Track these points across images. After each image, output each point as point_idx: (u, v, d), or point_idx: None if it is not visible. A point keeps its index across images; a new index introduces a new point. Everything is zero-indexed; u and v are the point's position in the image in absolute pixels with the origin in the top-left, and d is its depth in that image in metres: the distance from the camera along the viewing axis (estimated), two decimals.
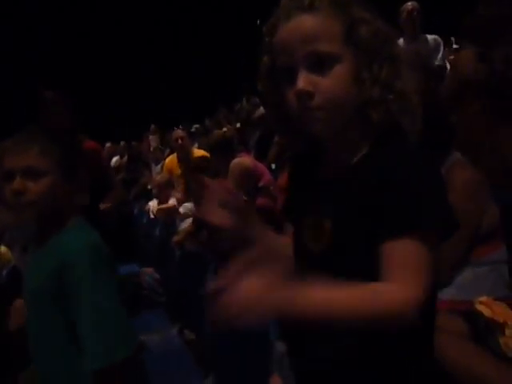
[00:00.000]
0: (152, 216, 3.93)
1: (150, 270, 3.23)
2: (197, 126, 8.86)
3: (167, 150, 7.47)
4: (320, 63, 0.75)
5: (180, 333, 2.27)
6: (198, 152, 4.71)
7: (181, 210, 3.58)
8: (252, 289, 0.64)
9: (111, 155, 7.95)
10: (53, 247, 1.17)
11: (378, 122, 0.76)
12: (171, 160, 4.62)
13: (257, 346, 1.49)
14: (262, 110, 5.16)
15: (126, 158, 7.66)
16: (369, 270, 0.71)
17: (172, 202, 3.75)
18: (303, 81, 0.75)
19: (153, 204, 4.26)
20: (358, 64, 0.77)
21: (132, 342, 1.14)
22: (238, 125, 6.96)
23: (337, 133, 0.79)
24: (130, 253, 3.41)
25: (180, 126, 7.29)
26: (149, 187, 5.90)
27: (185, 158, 4.44)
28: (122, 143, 8.55)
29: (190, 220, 3.05)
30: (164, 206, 3.74)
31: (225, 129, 7.97)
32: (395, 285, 0.68)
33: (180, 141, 4.44)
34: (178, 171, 4.48)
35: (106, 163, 2.67)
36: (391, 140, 0.77)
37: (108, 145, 8.43)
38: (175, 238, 2.53)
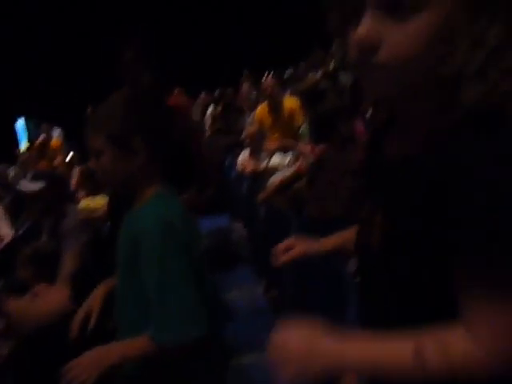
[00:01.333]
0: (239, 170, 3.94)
1: (238, 225, 3.30)
2: (290, 71, 8.60)
3: (261, 98, 7.42)
4: (396, 5, 0.54)
5: (265, 291, 2.29)
6: (290, 100, 4.58)
7: (269, 163, 3.52)
8: (298, 345, 0.61)
9: (206, 104, 8.07)
10: (135, 217, 1.19)
11: (470, 103, 0.53)
12: (262, 109, 4.55)
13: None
14: None
15: (220, 108, 7.73)
16: (422, 279, 0.59)
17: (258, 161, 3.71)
18: (367, 26, 0.55)
19: (243, 156, 4.25)
20: (454, 15, 0.53)
21: (202, 325, 1.11)
22: (332, 67, 6.57)
23: (402, 105, 0.61)
24: (221, 204, 3.49)
25: (271, 73, 7.14)
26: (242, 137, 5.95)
27: (275, 108, 4.35)
28: (217, 91, 8.61)
29: (277, 175, 2.99)
30: (251, 168, 3.71)
31: (319, 73, 7.65)
32: (474, 344, 0.54)
33: (270, 89, 4.34)
34: (269, 121, 4.41)
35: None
36: (484, 130, 0.52)
37: (203, 94, 8.56)
38: (260, 196, 2.49)
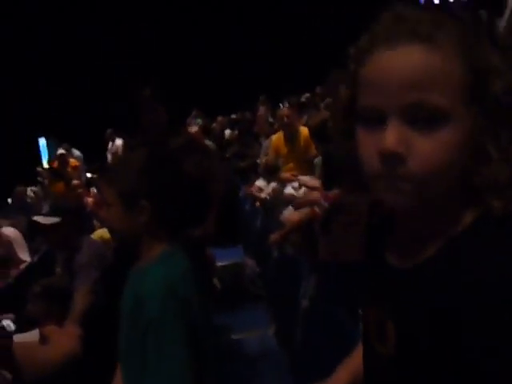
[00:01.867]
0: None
1: (251, 261, 3.27)
2: (307, 95, 8.64)
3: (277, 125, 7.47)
4: (424, 119, 0.53)
5: (277, 333, 2.25)
6: (305, 130, 4.57)
7: (286, 190, 3.51)
8: None
9: (223, 128, 8.15)
10: (140, 275, 1.20)
11: (500, 212, 0.54)
12: (278, 138, 4.55)
13: None
14: None
15: (237, 132, 7.80)
16: None
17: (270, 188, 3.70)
18: (394, 137, 0.54)
19: (259, 184, 4.25)
20: (479, 130, 0.54)
21: None
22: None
23: (420, 214, 0.59)
24: (235, 235, 3.48)
25: (286, 104, 7.18)
26: (258, 161, 5.99)
27: (291, 138, 4.35)
28: (234, 115, 8.71)
29: (290, 210, 2.97)
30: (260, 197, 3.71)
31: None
32: None
33: (286, 119, 4.34)
34: (285, 151, 4.40)
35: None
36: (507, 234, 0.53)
37: (220, 118, 8.66)
38: (272, 238, 2.48)
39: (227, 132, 8.14)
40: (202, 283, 1.34)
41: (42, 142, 12.31)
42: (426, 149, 0.54)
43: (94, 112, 10.53)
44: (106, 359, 1.58)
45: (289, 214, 2.67)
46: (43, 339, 1.71)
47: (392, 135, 0.54)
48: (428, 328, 0.56)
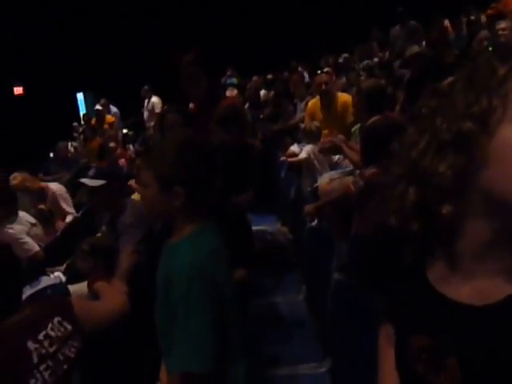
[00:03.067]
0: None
1: (284, 229, 3.36)
2: (346, 55, 8.38)
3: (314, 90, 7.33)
4: None
5: (307, 299, 2.36)
6: (343, 96, 4.50)
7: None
8: None
9: (258, 89, 8.06)
10: (172, 251, 1.30)
11: None
12: (314, 104, 4.50)
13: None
14: (415, 47, 4.62)
15: (272, 93, 7.72)
16: None
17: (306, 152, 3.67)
18: None
19: (294, 149, 4.26)
20: None
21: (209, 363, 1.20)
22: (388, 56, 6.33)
23: None
24: (270, 203, 3.54)
25: (323, 64, 7.00)
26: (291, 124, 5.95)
27: (327, 105, 4.29)
28: (270, 76, 8.58)
29: (325, 176, 3.00)
30: (295, 159, 3.70)
31: (376, 59, 7.42)
32: None
33: (324, 86, 4.27)
34: (320, 117, 4.37)
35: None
36: None
37: (255, 78, 8.55)
38: (307, 209, 2.54)
39: (262, 92, 8.06)
40: (241, 248, 1.43)
41: (80, 96, 12.55)
42: None
43: (132, 68, 10.58)
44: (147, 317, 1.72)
45: (325, 183, 2.70)
46: (94, 294, 1.88)
47: None
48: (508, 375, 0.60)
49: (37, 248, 3.00)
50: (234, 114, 2.53)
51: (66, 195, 4.25)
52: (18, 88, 12.12)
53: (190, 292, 1.19)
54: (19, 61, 11.09)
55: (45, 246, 3.21)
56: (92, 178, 2.56)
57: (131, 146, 7.76)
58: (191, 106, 2.86)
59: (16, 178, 3.86)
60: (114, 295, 1.78)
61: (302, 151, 3.67)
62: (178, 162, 1.27)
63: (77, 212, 4.19)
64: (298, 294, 2.41)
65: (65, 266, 2.89)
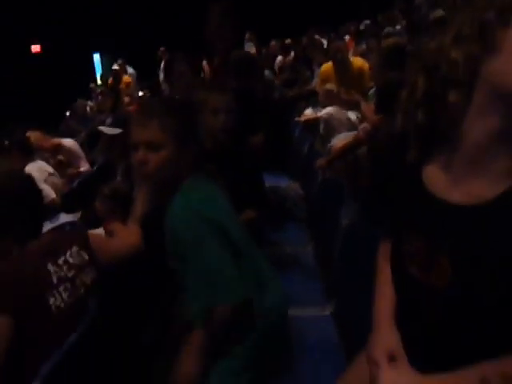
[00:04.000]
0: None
1: (295, 185, 3.38)
2: (367, 22, 8.20)
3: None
4: None
5: (313, 250, 2.41)
6: (358, 60, 4.43)
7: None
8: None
9: (275, 53, 7.97)
10: (170, 209, 1.32)
11: None
12: (328, 68, 4.45)
13: None
14: (440, 11, 4.50)
15: (291, 57, 7.62)
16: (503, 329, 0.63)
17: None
18: None
19: (308, 112, 4.26)
20: None
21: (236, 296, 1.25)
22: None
23: None
24: (281, 165, 3.57)
25: (346, 37, 6.84)
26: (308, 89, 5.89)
27: (342, 71, 4.24)
28: (288, 40, 8.45)
29: (340, 137, 3.02)
30: (312, 116, 3.70)
31: (398, 26, 7.24)
32: None
33: (339, 54, 4.21)
34: (334, 82, 4.32)
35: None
36: None
37: (272, 43, 8.44)
38: (318, 162, 2.56)
39: (278, 58, 7.97)
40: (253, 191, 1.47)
41: (97, 57, 12.51)
42: None
43: (148, 29, 10.48)
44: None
45: (339, 141, 2.73)
46: (110, 233, 1.95)
47: None
48: (498, 270, 0.62)
49: (53, 195, 3.08)
50: (246, 60, 2.54)
51: (80, 151, 4.32)
52: (35, 46, 12.11)
53: (196, 233, 1.24)
54: (37, 19, 11.04)
55: (61, 194, 3.29)
56: (109, 126, 2.61)
57: None
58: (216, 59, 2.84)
59: (30, 138, 3.92)
60: (128, 234, 1.85)
61: (322, 111, 3.67)
62: (186, 119, 1.32)
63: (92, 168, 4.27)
64: (305, 246, 2.47)
65: (80, 214, 2.98)
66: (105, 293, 1.50)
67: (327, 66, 4.43)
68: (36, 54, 12.19)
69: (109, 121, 2.65)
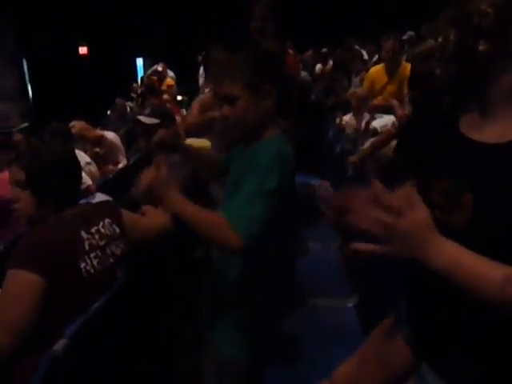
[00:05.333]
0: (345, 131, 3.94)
1: (326, 183, 3.39)
2: (411, 33, 8.12)
3: (372, 60, 7.16)
4: None
5: (340, 247, 2.41)
6: (406, 66, 4.41)
7: (371, 125, 3.51)
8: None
9: (314, 62, 8.00)
10: (252, 151, 1.35)
11: None
12: (377, 70, 4.46)
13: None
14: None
15: (329, 66, 7.64)
16: None
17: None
18: None
19: (346, 119, 4.26)
20: None
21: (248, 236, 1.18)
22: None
23: None
24: (314, 166, 3.58)
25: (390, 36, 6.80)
26: (345, 97, 5.90)
27: (391, 71, 4.25)
28: (325, 49, 8.47)
29: (373, 139, 3.00)
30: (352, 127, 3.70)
31: (440, 39, 7.15)
32: None
33: (391, 54, 4.23)
34: (381, 84, 4.32)
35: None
36: None
37: (310, 52, 8.47)
38: (352, 158, 2.55)
39: (318, 66, 8.00)
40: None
41: (140, 62, 12.91)
42: None
43: (187, 36, 10.73)
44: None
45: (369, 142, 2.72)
46: (142, 213, 2.02)
47: None
48: None
49: (90, 182, 3.18)
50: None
51: (121, 145, 4.44)
52: (82, 48, 12.63)
53: (273, 167, 1.23)
54: (86, 22, 11.52)
55: (97, 183, 3.40)
56: (147, 116, 2.69)
57: (184, 111, 7.95)
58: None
59: (75, 127, 4.06)
60: (159, 215, 1.90)
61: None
62: (260, 62, 1.32)
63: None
64: (333, 242, 2.46)
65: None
66: (133, 265, 1.55)
67: (378, 67, 4.45)
68: (83, 55, 12.71)
69: (147, 111, 2.73)
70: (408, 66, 4.29)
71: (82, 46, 12.59)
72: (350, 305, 1.76)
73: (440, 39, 0.76)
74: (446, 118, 0.80)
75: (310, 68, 7.72)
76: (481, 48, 0.68)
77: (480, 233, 0.68)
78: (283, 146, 1.33)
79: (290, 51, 8.11)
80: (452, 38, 0.72)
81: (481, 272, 0.64)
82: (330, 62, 7.69)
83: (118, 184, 3.30)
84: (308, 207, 2.74)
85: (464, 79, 0.75)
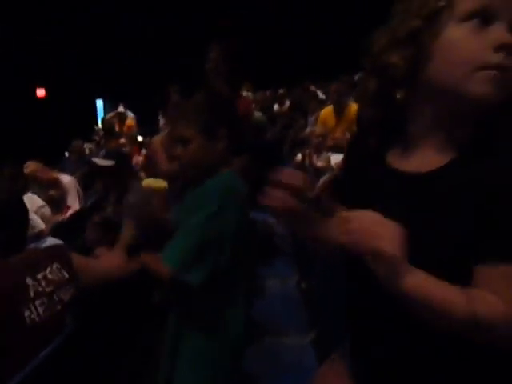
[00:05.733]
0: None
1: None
2: (361, 74, 8.53)
3: (328, 102, 7.46)
4: None
5: (298, 283, 2.42)
6: (354, 107, 4.63)
7: (319, 163, 3.64)
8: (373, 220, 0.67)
9: (270, 103, 8.23)
10: (198, 190, 1.38)
11: None
12: (327, 112, 4.65)
13: None
14: None
15: (286, 106, 7.88)
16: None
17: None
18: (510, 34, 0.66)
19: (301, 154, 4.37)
20: None
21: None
22: None
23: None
24: None
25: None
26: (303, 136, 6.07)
27: (339, 111, 4.44)
28: (282, 90, 8.76)
29: (327, 175, 3.09)
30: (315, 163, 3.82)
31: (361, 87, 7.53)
32: (496, 297, 0.65)
33: (336, 96, 4.43)
34: (333, 123, 4.50)
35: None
36: None
37: (268, 92, 8.73)
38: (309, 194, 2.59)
39: (275, 106, 8.23)
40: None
41: (100, 103, 12.89)
42: None
43: (150, 78, 10.86)
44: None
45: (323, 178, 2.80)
46: (95, 256, 1.97)
47: (507, 33, 0.67)
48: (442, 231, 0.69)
49: (43, 226, 3.09)
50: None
51: (76, 188, 4.32)
52: (40, 90, 12.53)
53: (207, 202, 1.29)
54: (43, 64, 11.49)
55: (51, 227, 3.31)
56: (102, 158, 2.68)
57: (144, 151, 7.93)
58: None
59: (29, 167, 3.96)
60: (112, 258, 1.87)
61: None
62: (215, 107, 1.39)
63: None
64: (291, 279, 2.47)
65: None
66: (82, 311, 1.50)
67: (327, 109, 4.64)
68: (41, 98, 12.58)
69: (102, 153, 2.72)
70: (355, 107, 4.52)
71: (40, 87, 12.48)
72: (307, 341, 1.76)
73: (361, 87, 0.82)
74: (373, 156, 0.85)
75: (267, 108, 7.92)
76: (398, 96, 0.75)
77: (421, 266, 0.69)
78: (231, 181, 1.38)
79: (244, 93, 8.36)
80: (371, 86, 0.78)
81: (447, 295, 0.66)
82: (287, 103, 7.94)
83: (72, 227, 3.23)
84: (266, 244, 2.77)
85: (384, 121, 0.80)
